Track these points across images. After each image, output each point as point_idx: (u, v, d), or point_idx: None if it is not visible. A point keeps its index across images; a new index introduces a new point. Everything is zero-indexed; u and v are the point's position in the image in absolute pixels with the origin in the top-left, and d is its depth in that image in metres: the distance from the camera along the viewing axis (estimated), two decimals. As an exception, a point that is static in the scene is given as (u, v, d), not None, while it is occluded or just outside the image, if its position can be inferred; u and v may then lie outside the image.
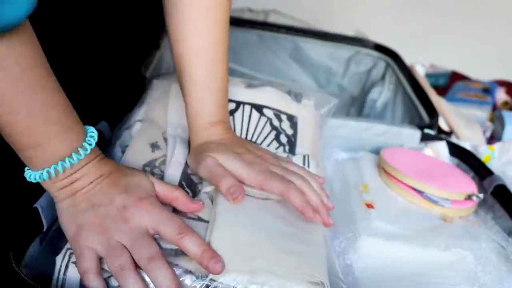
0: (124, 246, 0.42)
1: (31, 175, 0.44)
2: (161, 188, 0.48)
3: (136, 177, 0.47)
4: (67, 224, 0.44)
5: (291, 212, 0.50)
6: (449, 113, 0.93)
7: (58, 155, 0.43)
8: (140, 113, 0.64)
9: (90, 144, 0.45)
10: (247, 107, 0.65)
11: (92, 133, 0.46)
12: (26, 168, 0.45)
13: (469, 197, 0.63)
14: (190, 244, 0.42)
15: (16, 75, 0.39)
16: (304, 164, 0.59)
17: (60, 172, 0.43)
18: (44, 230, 0.47)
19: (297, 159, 0.60)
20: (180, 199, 0.48)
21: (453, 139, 0.89)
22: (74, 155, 0.44)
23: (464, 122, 0.93)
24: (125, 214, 0.44)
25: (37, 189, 0.47)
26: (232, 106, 0.64)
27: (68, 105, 0.45)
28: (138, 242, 0.42)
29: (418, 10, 1.48)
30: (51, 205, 0.47)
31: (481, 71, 1.32)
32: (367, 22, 1.28)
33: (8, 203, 0.56)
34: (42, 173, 0.43)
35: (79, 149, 0.44)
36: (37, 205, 0.47)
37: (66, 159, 0.43)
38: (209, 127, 0.55)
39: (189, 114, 0.57)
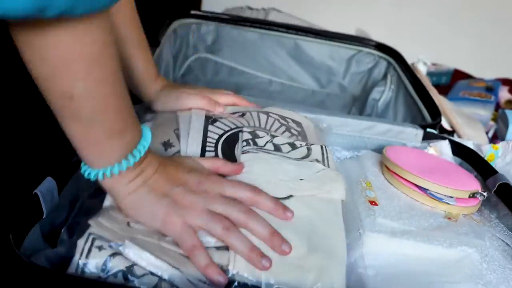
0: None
1: (99, 172, 0.44)
2: (205, 163, 0.52)
3: (187, 159, 0.51)
4: (152, 210, 0.45)
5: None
6: (451, 112, 0.92)
7: (134, 142, 0.44)
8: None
9: (150, 132, 0.47)
10: (254, 112, 0.67)
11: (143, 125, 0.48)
12: (86, 167, 0.44)
13: (473, 195, 0.62)
14: (264, 201, 0.48)
15: (115, 55, 0.40)
16: (323, 154, 0.60)
17: (136, 160, 0.44)
18: (44, 216, 0.47)
19: (315, 149, 0.60)
20: (223, 166, 0.52)
21: (456, 139, 0.88)
22: (144, 142, 0.45)
23: (466, 121, 0.92)
24: (204, 187, 0.47)
25: (36, 176, 0.48)
26: (238, 113, 0.66)
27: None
28: (229, 205, 0.46)
29: (420, 7, 1.47)
30: (51, 191, 0.48)
31: (484, 69, 1.31)
32: (369, 20, 1.28)
33: (8, 189, 0.56)
34: (120, 164, 0.43)
35: (144, 136, 0.46)
36: (37, 191, 0.47)
37: (140, 146, 0.45)
38: (155, 79, 0.66)
39: (138, 74, 0.64)
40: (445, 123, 0.92)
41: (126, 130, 0.44)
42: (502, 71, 1.32)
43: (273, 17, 1.19)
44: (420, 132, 0.76)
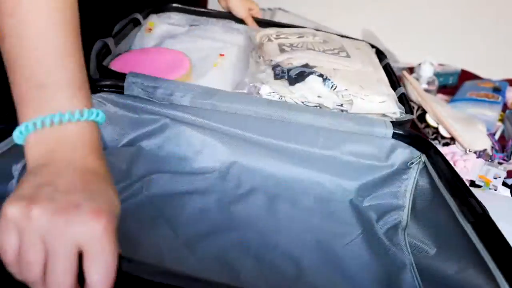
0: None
1: (21, 131, 0.39)
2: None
3: (110, 187, 0.40)
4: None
5: None
6: (447, 120, 0.91)
7: (56, 105, 0.40)
8: None
9: (92, 114, 0.41)
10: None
11: (98, 112, 0.42)
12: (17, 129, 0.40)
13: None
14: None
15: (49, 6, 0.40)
16: None
17: (54, 123, 0.39)
18: None
19: None
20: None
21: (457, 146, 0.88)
22: (74, 112, 0.40)
23: (465, 126, 0.91)
24: (70, 216, 0.35)
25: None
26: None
27: (83, 66, 0.43)
28: (60, 256, 0.35)
29: (427, 7, 1.46)
30: None
31: (491, 70, 1.30)
32: (375, 20, 1.27)
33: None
34: (35, 122, 0.39)
35: (80, 110, 0.40)
36: None
37: (65, 113, 0.39)
38: None
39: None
40: (443, 131, 0.91)
41: (46, 84, 0.40)
42: (509, 71, 1.30)
43: (279, 17, 1.19)
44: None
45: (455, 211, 0.56)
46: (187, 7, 1.02)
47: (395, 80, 0.91)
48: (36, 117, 0.39)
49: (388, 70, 0.94)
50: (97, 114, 0.42)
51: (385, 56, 1.00)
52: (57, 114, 0.39)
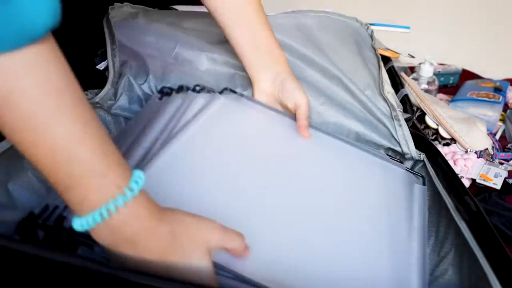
0: None
1: (82, 224, 0.38)
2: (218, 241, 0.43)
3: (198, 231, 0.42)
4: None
5: None
6: (447, 121, 0.91)
7: (108, 191, 0.38)
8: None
9: (137, 181, 0.39)
10: None
11: (138, 172, 0.40)
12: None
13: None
14: None
15: (37, 98, 0.34)
16: None
17: (105, 217, 0.37)
18: None
19: None
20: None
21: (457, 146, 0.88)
22: (125, 193, 0.38)
23: (465, 127, 0.91)
24: None
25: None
26: None
27: (106, 139, 0.38)
28: None
29: (427, 7, 1.46)
30: None
31: (492, 69, 1.29)
32: (375, 20, 1.26)
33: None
34: (93, 218, 0.37)
35: (127, 186, 0.38)
36: None
37: (118, 197, 0.38)
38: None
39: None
40: (443, 132, 0.91)
41: (72, 186, 0.37)
42: (510, 71, 1.29)
43: (279, 17, 1.18)
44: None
45: (451, 209, 0.57)
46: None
47: (398, 82, 0.92)
48: (91, 212, 0.37)
49: (392, 72, 0.95)
50: (139, 176, 0.40)
51: (390, 59, 1.02)
52: (112, 201, 0.37)
